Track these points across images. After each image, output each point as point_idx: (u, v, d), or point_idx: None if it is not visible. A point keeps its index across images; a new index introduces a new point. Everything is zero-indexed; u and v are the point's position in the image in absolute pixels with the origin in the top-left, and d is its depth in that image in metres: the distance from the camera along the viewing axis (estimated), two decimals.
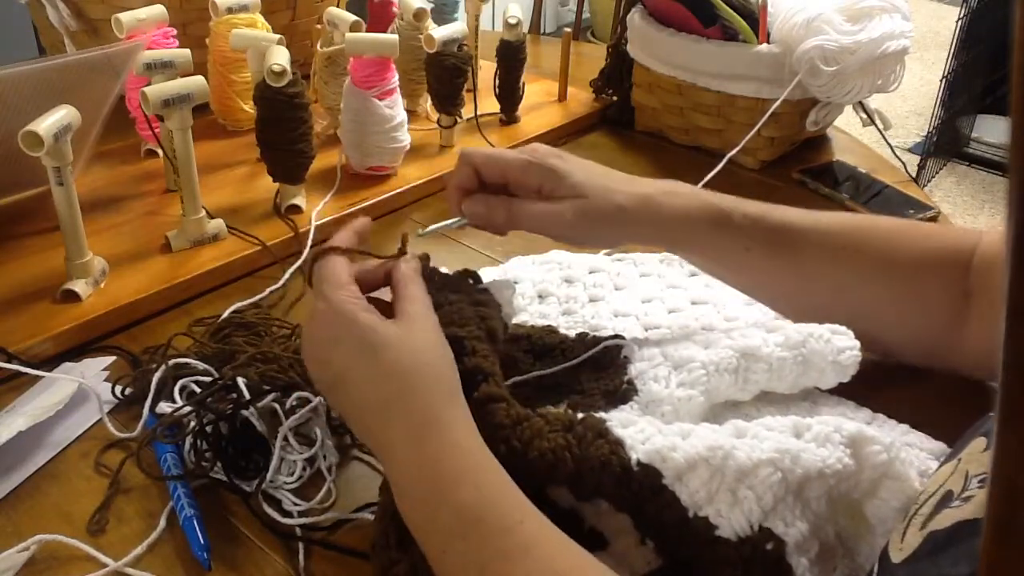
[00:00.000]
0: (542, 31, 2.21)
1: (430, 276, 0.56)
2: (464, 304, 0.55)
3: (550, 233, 0.62)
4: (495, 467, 0.46)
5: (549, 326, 0.68)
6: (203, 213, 0.83)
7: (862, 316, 0.62)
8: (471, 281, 0.59)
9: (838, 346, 0.59)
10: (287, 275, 0.81)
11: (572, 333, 0.66)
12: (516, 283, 0.79)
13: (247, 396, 0.61)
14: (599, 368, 0.61)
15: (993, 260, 0.60)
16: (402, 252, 0.57)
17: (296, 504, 0.58)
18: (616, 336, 0.63)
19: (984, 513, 0.23)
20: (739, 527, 0.45)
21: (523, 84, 1.12)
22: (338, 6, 1.15)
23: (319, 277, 0.53)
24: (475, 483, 0.45)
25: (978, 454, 0.45)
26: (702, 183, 0.93)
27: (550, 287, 0.79)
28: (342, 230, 0.57)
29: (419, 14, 1.07)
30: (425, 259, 0.57)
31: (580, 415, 0.50)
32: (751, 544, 0.45)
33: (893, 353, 0.64)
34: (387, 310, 0.53)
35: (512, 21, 1.07)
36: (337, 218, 0.90)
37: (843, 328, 0.60)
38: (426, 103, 1.11)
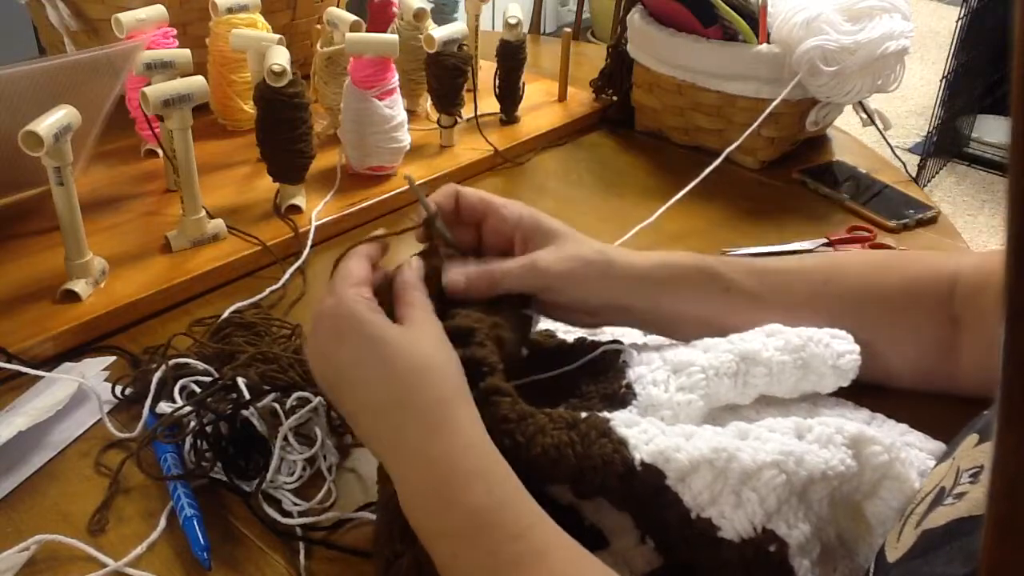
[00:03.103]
0: (542, 31, 2.21)
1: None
2: (480, 310, 0.56)
3: (532, 283, 0.59)
4: (505, 469, 0.46)
5: (547, 331, 0.68)
6: (203, 213, 0.83)
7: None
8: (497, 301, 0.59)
9: (838, 350, 0.59)
10: (287, 275, 0.81)
11: (570, 338, 0.66)
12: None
13: (247, 396, 0.61)
14: (597, 372, 0.60)
15: (979, 286, 0.60)
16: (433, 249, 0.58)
17: (296, 504, 0.57)
18: (614, 341, 0.63)
19: (979, 511, 0.23)
20: (742, 528, 0.45)
21: (523, 84, 1.12)
22: (338, 6, 1.15)
23: (336, 272, 0.53)
24: (486, 485, 0.45)
25: (970, 449, 0.45)
26: (699, 178, 0.92)
27: None
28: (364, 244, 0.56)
29: (419, 14, 1.07)
30: (433, 255, 0.57)
31: (584, 414, 0.50)
32: (754, 546, 0.45)
33: (891, 381, 0.64)
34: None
35: (512, 21, 1.07)
36: (337, 218, 0.90)
37: (843, 332, 0.60)
38: (426, 103, 1.11)
